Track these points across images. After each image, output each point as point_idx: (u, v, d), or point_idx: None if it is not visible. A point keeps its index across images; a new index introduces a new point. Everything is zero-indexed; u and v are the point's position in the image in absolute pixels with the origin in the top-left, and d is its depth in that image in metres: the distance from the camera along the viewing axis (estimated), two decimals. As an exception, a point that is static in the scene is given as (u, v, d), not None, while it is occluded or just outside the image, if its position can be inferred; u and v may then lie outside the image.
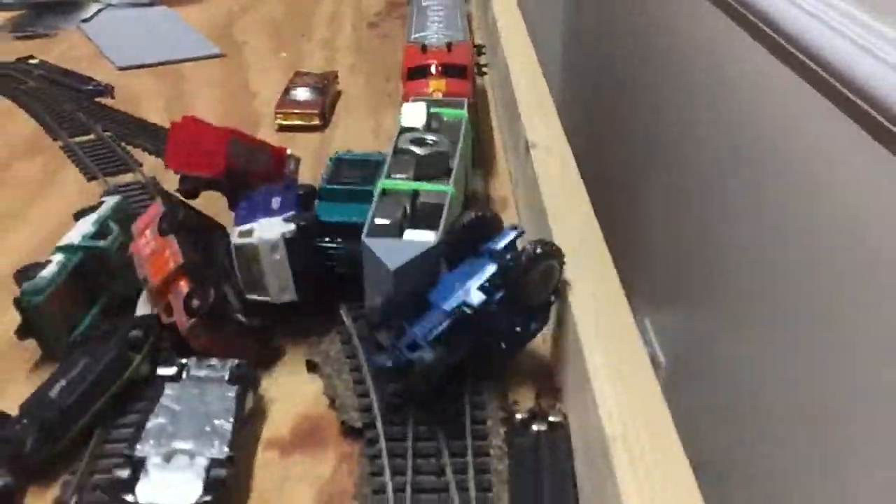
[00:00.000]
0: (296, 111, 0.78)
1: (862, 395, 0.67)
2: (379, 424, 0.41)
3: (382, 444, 0.40)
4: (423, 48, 0.68)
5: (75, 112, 0.80)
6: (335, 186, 0.51)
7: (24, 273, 0.47)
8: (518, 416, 0.41)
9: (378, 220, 0.45)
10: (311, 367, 0.47)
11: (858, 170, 0.67)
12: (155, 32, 1.05)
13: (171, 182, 0.66)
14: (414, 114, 0.54)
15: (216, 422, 0.40)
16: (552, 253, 0.43)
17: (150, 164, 0.70)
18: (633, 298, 1.42)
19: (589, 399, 0.36)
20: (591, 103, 1.95)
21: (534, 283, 0.43)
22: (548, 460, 0.39)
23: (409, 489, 0.38)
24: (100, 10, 1.12)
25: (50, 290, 0.46)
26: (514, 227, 0.44)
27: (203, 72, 0.93)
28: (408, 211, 0.46)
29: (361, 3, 1.17)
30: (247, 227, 0.47)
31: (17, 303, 0.46)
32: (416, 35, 0.72)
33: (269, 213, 0.48)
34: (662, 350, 1.38)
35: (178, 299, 0.45)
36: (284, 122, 0.77)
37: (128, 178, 0.68)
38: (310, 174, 0.66)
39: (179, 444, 0.38)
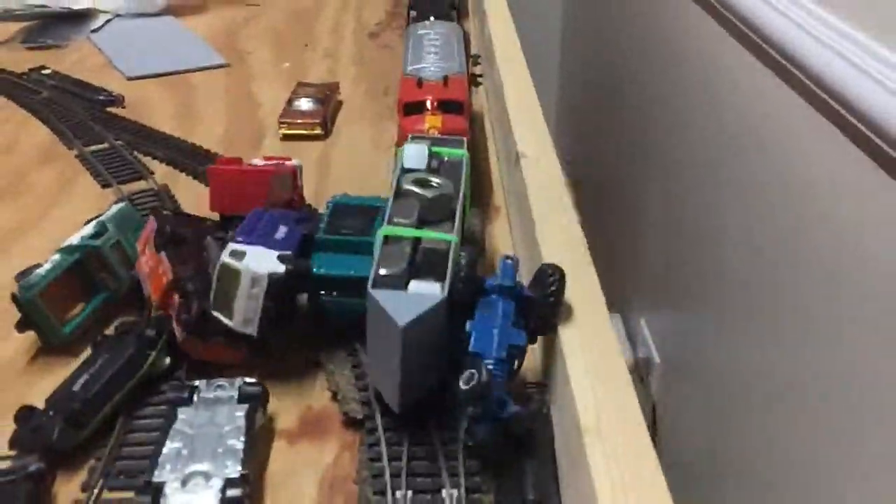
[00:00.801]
0: (299, 121, 0.81)
1: (853, 392, 0.69)
2: (377, 416, 0.44)
3: (381, 433, 0.43)
4: (419, 82, 0.67)
5: (88, 121, 0.84)
6: (333, 237, 0.50)
7: (24, 274, 0.51)
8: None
9: (383, 271, 0.43)
10: (315, 363, 0.50)
11: (846, 174, 0.70)
12: (162, 42, 1.09)
13: (182, 190, 0.70)
14: (416, 154, 0.53)
15: (229, 442, 0.41)
16: (564, 274, 0.44)
17: (162, 172, 0.74)
18: (630, 300, 1.45)
19: (568, 396, 0.40)
20: (588, 107, 1.98)
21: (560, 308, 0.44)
22: (531, 447, 0.42)
23: (404, 474, 0.41)
24: (108, 21, 1.16)
25: (42, 286, 0.50)
26: (509, 258, 0.45)
27: (209, 81, 0.97)
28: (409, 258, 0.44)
29: (362, 14, 1.21)
30: (242, 247, 0.47)
31: (14, 298, 0.50)
32: (413, 67, 0.71)
33: (270, 241, 0.48)
34: (657, 350, 1.40)
35: (173, 312, 0.48)
36: (288, 132, 0.81)
37: (140, 185, 0.71)
38: (312, 183, 0.70)
39: (195, 467, 0.40)
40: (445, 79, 0.67)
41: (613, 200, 1.71)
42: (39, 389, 0.46)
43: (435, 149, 0.54)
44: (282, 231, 0.49)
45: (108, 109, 0.88)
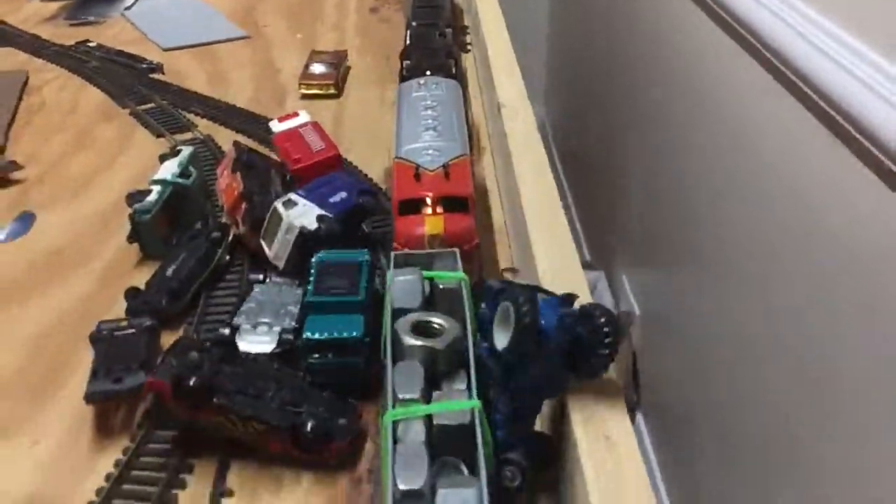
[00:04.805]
0: (315, 82, 0.96)
1: (821, 342, 0.74)
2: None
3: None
4: (417, 174, 0.56)
5: (135, 85, 0.98)
6: (322, 299, 0.51)
7: (133, 197, 0.66)
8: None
9: (403, 485, 0.32)
10: None
11: (803, 140, 0.76)
12: (190, 18, 1.23)
13: (222, 140, 0.85)
14: (407, 290, 0.42)
15: (288, 307, 0.56)
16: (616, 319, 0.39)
17: (204, 125, 0.89)
18: (612, 258, 1.55)
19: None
20: (575, 78, 2.10)
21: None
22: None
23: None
24: (137, -1, 1.30)
25: (155, 210, 0.65)
26: (569, 297, 0.39)
27: (234, 52, 1.11)
28: (425, 439, 0.34)
29: (363, -11, 1.35)
30: (297, 198, 0.57)
31: (131, 217, 0.65)
32: (407, 148, 0.59)
33: (324, 202, 0.57)
34: (638, 303, 1.53)
35: (240, 215, 0.63)
36: (306, 92, 0.96)
37: (187, 135, 0.86)
38: (328, 133, 0.84)
39: (262, 319, 0.55)
40: (446, 168, 0.57)
41: (597, 166, 1.81)
42: (131, 279, 0.62)
43: (425, 273, 0.43)
44: (339, 196, 0.58)
45: (151, 76, 1.02)
